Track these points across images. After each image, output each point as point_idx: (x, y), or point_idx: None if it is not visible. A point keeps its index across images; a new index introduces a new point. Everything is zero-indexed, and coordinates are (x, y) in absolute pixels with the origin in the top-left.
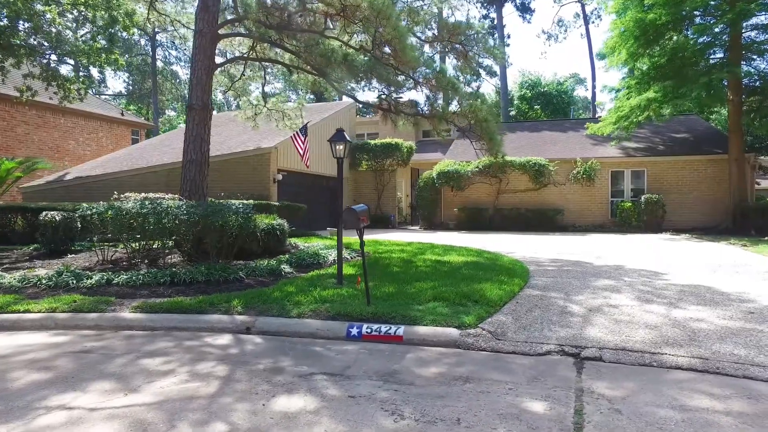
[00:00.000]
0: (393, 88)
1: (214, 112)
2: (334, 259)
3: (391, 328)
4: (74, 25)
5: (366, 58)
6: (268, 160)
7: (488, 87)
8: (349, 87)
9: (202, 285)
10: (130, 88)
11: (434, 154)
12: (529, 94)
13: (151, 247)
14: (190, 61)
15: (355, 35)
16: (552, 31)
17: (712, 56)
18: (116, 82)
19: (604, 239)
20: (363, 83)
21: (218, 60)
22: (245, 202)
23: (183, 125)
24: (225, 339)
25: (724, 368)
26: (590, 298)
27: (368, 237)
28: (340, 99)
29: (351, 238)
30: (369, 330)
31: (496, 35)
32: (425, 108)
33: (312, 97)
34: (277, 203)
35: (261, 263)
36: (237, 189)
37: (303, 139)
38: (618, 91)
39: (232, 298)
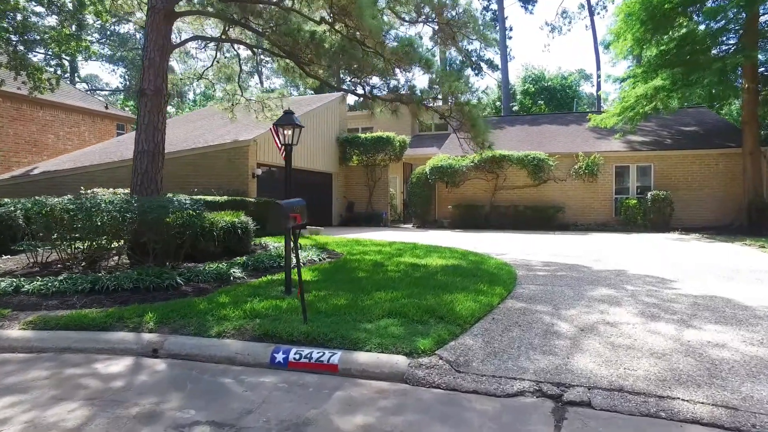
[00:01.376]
0: (366, 71)
1: (204, 108)
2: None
3: (324, 354)
4: (43, 10)
5: (337, 38)
6: (246, 153)
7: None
8: (321, 72)
9: (127, 293)
10: (127, 83)
11: (430, 149)
12: (533, 89)
13: (94, 248)
14: (144, 40)
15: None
16: (556, 23)
17: (724, 43)
18: (113, 77)
19: (607, 239)
20: (333, 66)
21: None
22: (208, 198)
23: (177, 117)
24: (121, 365)
25: (763, 427)
26: (584, 313)
27: (352, 236)
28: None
29: (328, 236)
30: (298, 356)
31: (497, 27)
32: (403, 90)
33: (312, 92)
34: (252, 199)
35: (210, 266)
36: (213, 184)
37: (282, 131)
38: (623, 80)
39: (148, 310)
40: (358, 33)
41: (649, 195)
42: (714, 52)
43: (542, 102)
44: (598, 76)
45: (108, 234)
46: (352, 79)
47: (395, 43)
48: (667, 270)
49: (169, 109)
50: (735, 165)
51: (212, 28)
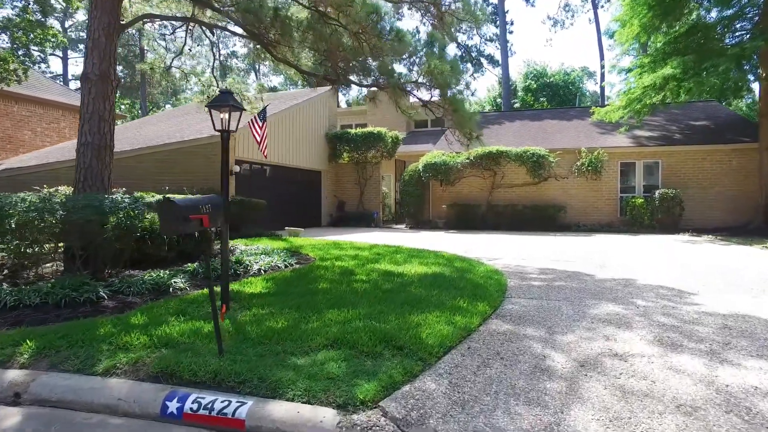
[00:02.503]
0: (338, 54)
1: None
2: (260, 268)
3: (230, 404)
4: None
5: (305, 15)
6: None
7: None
8: (290, 56)
9: (28, 311)
10: (121, 81)
11: (425, 146)
12: (534, 86)
13: (12, 255)
14: (88, 19)
15: None
16: (558, 17)
17: (738, 30)
18: None
19: (612, 241)
20: (302, 48)
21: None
22: (178, 197)
23: (161, 113)
24: None
25: None
26: (585, 339)
27: (335, 238)
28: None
29: (308, 238)
30: (196, 405)
31: (498, 21)
32: (375, 71)
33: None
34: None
35: (151, 275)
36: (189, 182)
37: (261, 125)
38: (628, 71)
39: (30, 336)
40: (328, 9)
41: (656, 194)
42: (726, 41)
43: (544, 99)
44: (602, 67)
45: (26, 238)
46: (323, 62)
47: (361, 14)
48: (683, 279)
49: (168, 107)
50: (750, 161)
51: (180, 10)
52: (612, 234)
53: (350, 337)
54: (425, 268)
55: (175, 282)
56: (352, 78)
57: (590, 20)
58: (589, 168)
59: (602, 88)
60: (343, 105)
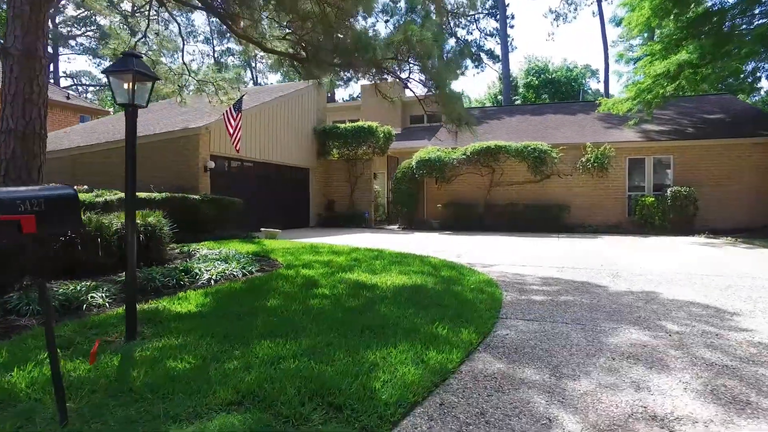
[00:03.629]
0: (303, 25)
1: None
2: (210, 278)
3: None
4: None
5: None
6: (197, 143)
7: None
8: (254, 33)
9: None
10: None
11: (420, 142)
12: (536, 82)
13: None
14: None
15: None
16: (560, 10)
17: (757, 16)
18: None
19: (622, 244)
20: (262, 20)
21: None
22: (141, 195)
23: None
24: None
25: None
26: (606, 390)
27: (316, 240)
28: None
29: (285, 241)
30: None
31: (498, 15)
32: (348, 46)
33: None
34: (197, 197)
35: (65, 288)
36: (159, 180)
37: (235, 116)
38: (636, 61)
39: None
40: None
41: (668, 192)
42: (743, 28)
43: (546, 96)
44: (606, 62)
45: None
46: (287, 36)
47: None
48: (716, 292)
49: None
50: None
51: None
52: (620, 236)
53: (270, 388)
54: (405, 278)
55: (92, 297)
56: (324, 57)
57: (594, 13)
58: (595, 164)
59: (606, 84)
60: (339, 100)
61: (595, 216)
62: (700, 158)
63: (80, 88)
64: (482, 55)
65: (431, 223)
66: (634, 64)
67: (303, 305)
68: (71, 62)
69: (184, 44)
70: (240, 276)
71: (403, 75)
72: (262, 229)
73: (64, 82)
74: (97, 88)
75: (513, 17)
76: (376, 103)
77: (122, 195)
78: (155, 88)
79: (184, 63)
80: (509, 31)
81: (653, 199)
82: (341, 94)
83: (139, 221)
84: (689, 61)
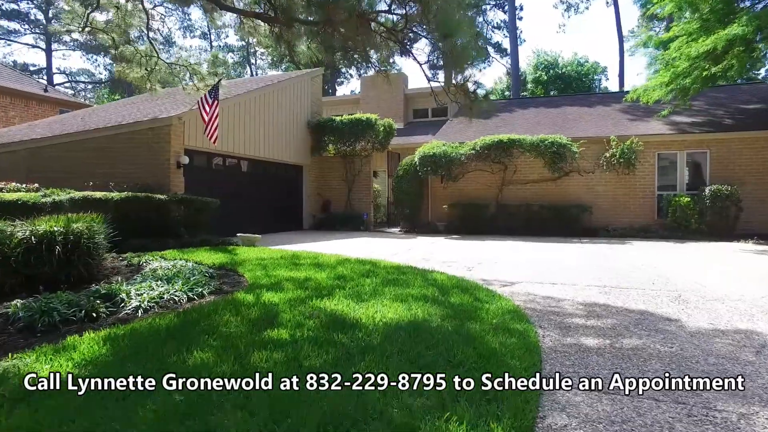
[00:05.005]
0: None
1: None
2: (139, 306)
3: None
4: None
5: None
6: (168, 136)
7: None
8: None
9: None
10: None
11: (424, 137)
12: (545, 77)
13: None
14: None
15: None
16: (572, 0)
17: None
18: (94, 67)
19: (660, 251)
20: None
21: None
22: (96, 195)
23: (121, 101)
24: None
25: None
26: None
27: (304, 246)
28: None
29: (264, 249)
30: None
31: (506, 6)
32: None
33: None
34: (163, 197)
35: None
36: (127, 177)
37: (211, 104)
38: (666, 43)
39: None
40: None
41: (706, 191)
42: None
43: (556, 92)
44: (620, 53)
45: None
46: None
47: None
48: None
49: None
50: None
51: None
52: (652, 240)
53: None
54: (402, 309)
55: None
56: (294, 12)
57: (608, 3)
58: (621, 160)
59: (621, 77)
60: (340, 94)
61: (619, 218)
62: (740, 153)
63: (81, 85)
64: (489, 48)
65: (436, 226)
66: (662, 48)
67: (240, 365)
68: (66, 59)
69: (148, 19)
70: (184, 301)
71: (399, 31)
72: (239, 234)
73: (58, 79)
74: (93, 85)
75: (521, 8)
76: (377, 96)
77: (76, 194)
78: (122, 73)
79: (150, 42)
80: (518, 23)
81: (689, 199)
82: (343, 90)
83: (57, 228)
84: (743, 35)
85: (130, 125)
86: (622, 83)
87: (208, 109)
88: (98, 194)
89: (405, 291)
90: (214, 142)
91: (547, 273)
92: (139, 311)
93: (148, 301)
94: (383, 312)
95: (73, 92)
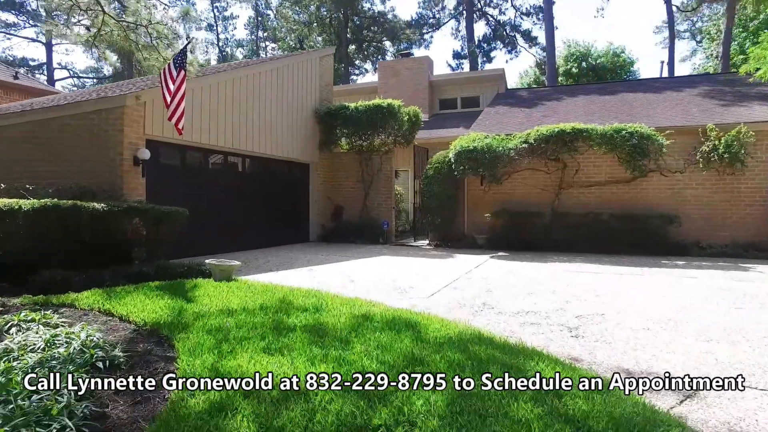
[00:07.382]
0: None
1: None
2: None
3: None
4: None
5: None
6: (121, 122)
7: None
8: None
9: None
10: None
11: (455, 130)
12: (576, 70)
13: None
14: None
15: None
16: None
17: None
18: (103, 64)
19: None
20: None
21: None
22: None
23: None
24: None
25: None
26: None
27: (300, 275)
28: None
29: (249, 281)
30: None
31: None
32: None
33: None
34: (100, 206)
35: None
36: (66, 174)
37: (175, 77)
38: None
39: None
40: None
41: None
42: None
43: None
44: (671, 36)
45: None
46: None
47: None
48: None
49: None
50: None
51: None
52: None
53: None
54: None
55: None
56: None
57: None
58: (725, 155)
59: (672, 63)
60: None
61: (716, 231)
62: None
63: (84, 81)
64: (518, 37)
65: (474, 239)
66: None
67: None
68: (69, 54)
69: None
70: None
71: None
72: (209, 261)
73: (59, 74)
74: (99, 81)
75: None
76: (397, 84)
77: None
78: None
79: (101, 6)
80: (553, 10)
81: None
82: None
83: None
84: None
85: (69, 107)
86: (672, 68)
87: (171, 84)
88: (2, 201)
89: (449, 408)
90: (181, 131)
91: (720, 350)
92: None
93: None
94: None
95: (76, 88)
